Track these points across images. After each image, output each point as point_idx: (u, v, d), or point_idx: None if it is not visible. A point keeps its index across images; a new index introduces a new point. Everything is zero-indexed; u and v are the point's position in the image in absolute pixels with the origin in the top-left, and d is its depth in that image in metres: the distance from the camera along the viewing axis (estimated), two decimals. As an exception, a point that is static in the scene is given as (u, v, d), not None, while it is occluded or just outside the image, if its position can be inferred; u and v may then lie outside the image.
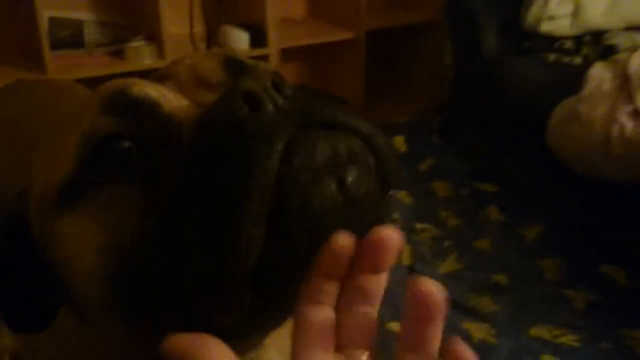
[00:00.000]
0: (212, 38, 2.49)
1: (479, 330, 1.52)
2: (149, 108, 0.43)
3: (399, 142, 2.33)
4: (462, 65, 2.39)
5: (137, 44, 2.29)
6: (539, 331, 1.53)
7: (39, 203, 0.46)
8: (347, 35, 2.68)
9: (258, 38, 2.44)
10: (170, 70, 0.49)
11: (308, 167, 0.37)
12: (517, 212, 1.99)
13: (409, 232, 1.92)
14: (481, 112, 2.27)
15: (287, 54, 2.69)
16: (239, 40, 2.40)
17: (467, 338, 1.47)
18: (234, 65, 0.48)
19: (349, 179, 0.38)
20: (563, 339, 1.51)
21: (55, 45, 2.21)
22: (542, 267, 1.77)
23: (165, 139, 0.42)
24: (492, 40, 2.21)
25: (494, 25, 2.22)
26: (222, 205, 0.36)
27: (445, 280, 1.70)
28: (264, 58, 2.48)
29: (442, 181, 2.16)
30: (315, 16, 2.93)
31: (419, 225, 1.95)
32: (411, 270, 1.74)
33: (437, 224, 1.97)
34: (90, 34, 2.34)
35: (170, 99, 0.44)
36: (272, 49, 2.50)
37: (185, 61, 0.49)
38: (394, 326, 1.48)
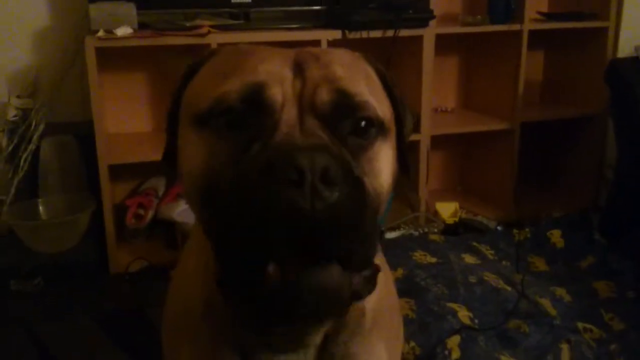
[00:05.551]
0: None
1: None
2: (267, 111, 0.65)
3: (556, 236, 2.21)
4: (627, 160, 2.26)
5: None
6: None
7: (187, 114, 0.73)
8: (499, 125, 2.65)
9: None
10: (307, 63, 0.68)
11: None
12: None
13: (569, 331, 1.78)
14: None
15: (438, 141, 2.70)
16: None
17: None
18: (335, 121, 0.66)
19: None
20: None
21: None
22: None
23: (264, 130, 0.64)
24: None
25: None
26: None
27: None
28: (416, 143, 2.51)
29: (604, 281, 2.01)
30: (466, 107, 2.97)
31: (580, 325, 1.80)
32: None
33: (600, 325, 1.81)
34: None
35: (286, 110, 0.65)
36: (424, 135, 2.52)
37: (317, 68, 0.68)
38: None
